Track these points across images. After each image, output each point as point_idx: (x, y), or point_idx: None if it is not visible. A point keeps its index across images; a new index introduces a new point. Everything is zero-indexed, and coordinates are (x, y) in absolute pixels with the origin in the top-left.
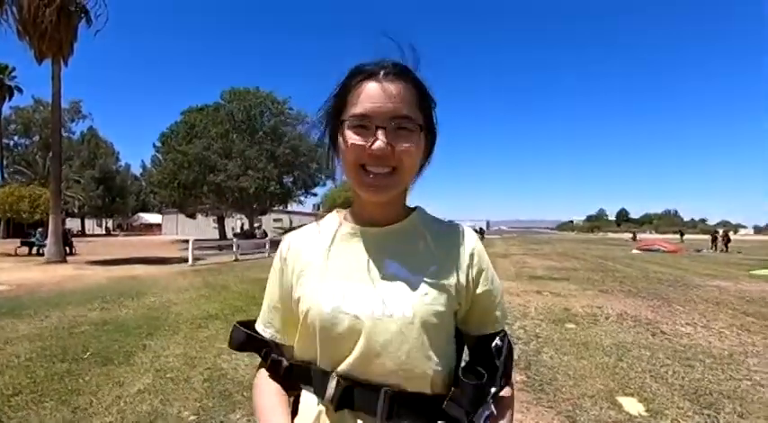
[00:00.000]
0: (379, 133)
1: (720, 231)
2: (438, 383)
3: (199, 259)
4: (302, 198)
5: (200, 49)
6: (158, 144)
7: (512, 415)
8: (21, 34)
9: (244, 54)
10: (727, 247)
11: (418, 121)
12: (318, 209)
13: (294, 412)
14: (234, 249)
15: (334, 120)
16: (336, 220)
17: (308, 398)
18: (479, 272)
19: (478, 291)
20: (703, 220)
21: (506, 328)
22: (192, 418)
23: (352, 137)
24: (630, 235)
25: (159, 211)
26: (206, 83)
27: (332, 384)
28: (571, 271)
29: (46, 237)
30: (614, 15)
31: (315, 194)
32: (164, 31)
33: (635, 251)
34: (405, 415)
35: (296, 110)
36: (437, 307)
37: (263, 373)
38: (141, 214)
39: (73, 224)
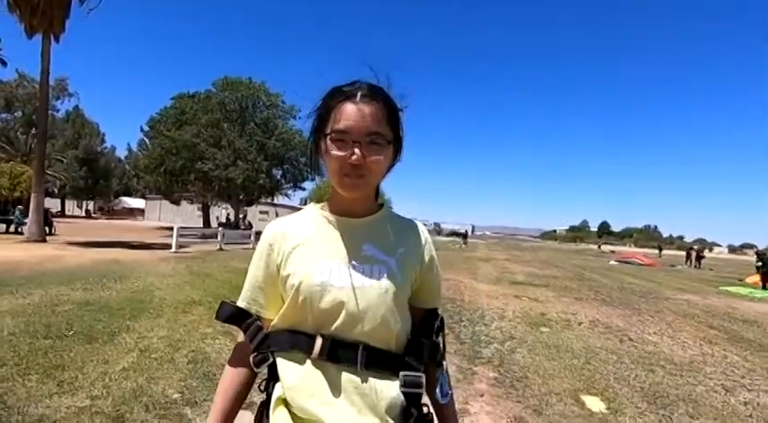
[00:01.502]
0: (356, 148)
1: (695, 248)
2: (400, 342)
3: (183, 246)
4: (290, 192)
5: (193, 36)
6: (146, 128)
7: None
8: (11, 7)
9: (239, 44)
10: (699, 263)
11: (387, 137)
12: (305, 203)
13: (273, 376)
14: (218, 238)
15: (319, 131)
16: (316, 212)
17: (290, 357)
18: (431, 258)
19: (430, 272)
20: (681, 237)
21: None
22: (176, 396)
23: (334, 149)
24: (596, 246)
25: (142, 197)
26: (196, 71)
27: (318, 343)
28: (550, 278)
29: (26, 215)
30: (605, 25)
31: (303, 189)
32: (156, 15)
33: (613, 262)
34: (377, 365)
35: (288, 103)
36: (404, 281)
37: (232, 362)
38: (124, 198)
39: (52, 204)
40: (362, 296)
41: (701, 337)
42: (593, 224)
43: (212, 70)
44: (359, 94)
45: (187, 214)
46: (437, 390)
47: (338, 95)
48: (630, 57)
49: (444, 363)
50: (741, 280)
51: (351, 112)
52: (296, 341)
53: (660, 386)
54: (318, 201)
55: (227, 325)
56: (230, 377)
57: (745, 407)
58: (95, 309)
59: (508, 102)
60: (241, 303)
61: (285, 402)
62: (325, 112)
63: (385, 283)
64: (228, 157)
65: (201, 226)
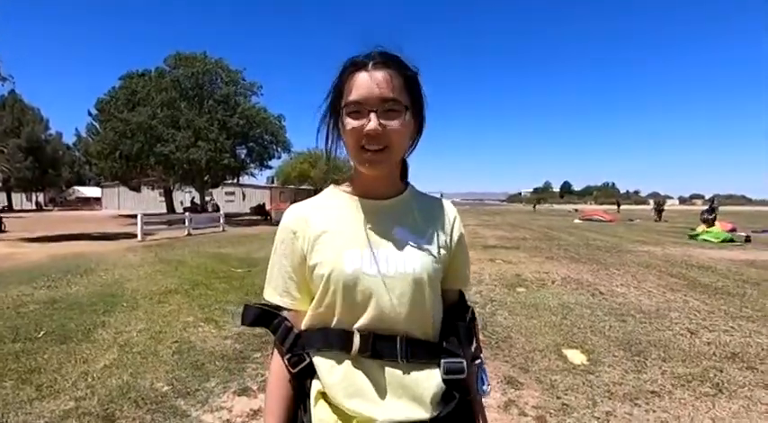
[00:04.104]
0: (372, 116)
1: (652, 202)
2: (436, 328)
3: (148, 234)
4: (256, 171)
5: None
6: (95, 111)
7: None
8: None
9: (187, 20)
10: (661, 216)
11: (404, 102)
12: (272, 182)
13: (307, 374)
14: (186, 224)
15: (334, 108)
16: (338, 194)
17: (327, 355)
18: (460, 236)
19: (458, 251)
20: (636, 192)
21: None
22: (165, 388)
23: (350, 122)
24: (532, 206)
25: (98, 185)
26: (137, 50)
27: (356, 340)
28: (521, 240)
29: None
30: None
31: (270, 167)
32: None
33: (577, 221)
34: (417, 356)
35: (248, 80)
36: (437, 264)
37: (275, 369)
38: (77, 187)
39: None
40: (398, 283)
41: (663, 285)
42: (556, 184)
43: (157, 48)
44: (371, 62)
45: (149, 200)
46: (478, 384)
47: (350, 67)
48: (585, 21)
49: (481, 355)
50: (693, 229)
51: (364, 82)
52: (332, 339)
53: (633, 334)
54: (286, 178)
55: (208, 312)
56: (278, 383)
57: (709, 346)
58: (64, 306)
59: (469, 69)
60: (273, 297)
61: (325, 396)
62: (339, 86)
63: (419, 267)
64: (189, 138)
65: (166, 212)
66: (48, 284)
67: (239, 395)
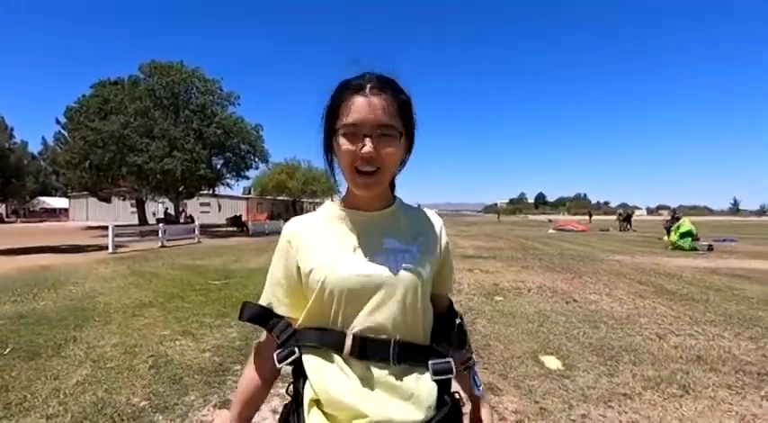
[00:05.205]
0: (367, 140)
1: (627, 212)
2: (426, 331)
3: (120, 246)
4: (232, 181)
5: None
6: (64, 120)
7: None
8: None
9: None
10: (630, 224)
11: (399, 128)
12: (249, 192)
13: (299, 373)
14: (159, 235)
15: (330, 127)
16: (333, 208)
17: (319, 354)
18: (446, 244)
19: (446, 258)
20: (607, 203)
21: None
22: (143, 403)
23: (345, 144)
24: (497, 217)
25: (65, 195)
26: (109, 57)
27: (348, 341)
28: (497, 250)
29: None
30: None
31: (247, 178)
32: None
33: (551, 231)
34: (408, 358)
35: (226, 90)
36: (428, 268)
37: (252, 362)
38: (42, 198)
39: None
40: (390, 287)
41: (633, 292)
42: (531, 195)
43: (129, 56)
44: (368, 86)
45: (119, 211)
46: (473, 386)
47: (347, 89)
48: (559, 34)
49: (472, 358)
50: (660, 239)
51: (360, 106)
52: (325, 339)
53: (605, 340)
54: (263, 189)
55: (185, 325)
56: (250, 376)
57: (676, 350)
58: (32, 322)
59: (445, 80)
60: (262, 302)
61: (318, 403)
62: (334, 107)
63: (410, 273)
64: (163, 148)
65: (138, 223)
66: (13, 299)
67: (220, 408)
